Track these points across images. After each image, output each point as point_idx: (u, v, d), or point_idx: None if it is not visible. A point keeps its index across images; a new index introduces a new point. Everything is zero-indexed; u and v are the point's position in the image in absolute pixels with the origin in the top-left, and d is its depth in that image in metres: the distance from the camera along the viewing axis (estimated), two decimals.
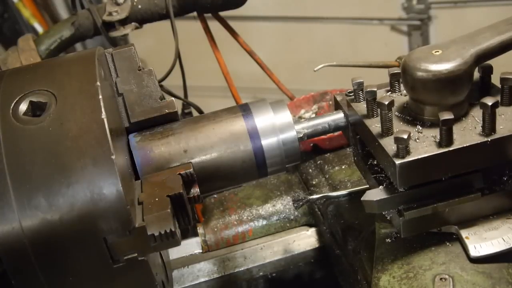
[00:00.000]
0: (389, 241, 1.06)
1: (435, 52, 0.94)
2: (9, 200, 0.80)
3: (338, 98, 1.13)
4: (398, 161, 0.90)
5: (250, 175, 1.06)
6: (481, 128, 0.93)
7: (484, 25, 1.00)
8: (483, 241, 0.96)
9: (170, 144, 1.00)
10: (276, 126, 1.03)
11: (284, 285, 1.49)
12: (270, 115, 1.04)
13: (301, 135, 1.07)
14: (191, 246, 1.49)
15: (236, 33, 1.90)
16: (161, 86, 1.50)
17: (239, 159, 1.02)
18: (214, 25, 1.88)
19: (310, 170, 1.58)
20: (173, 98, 1.05)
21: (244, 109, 1.05)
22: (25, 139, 0.84)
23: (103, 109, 0.86)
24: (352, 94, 1.08)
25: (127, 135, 1.03)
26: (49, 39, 1.76)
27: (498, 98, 0.94)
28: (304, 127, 1.08)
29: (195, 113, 2.00)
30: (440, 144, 0.91)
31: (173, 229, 0.83)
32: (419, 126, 0.96)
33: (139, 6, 1.73)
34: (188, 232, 1.55)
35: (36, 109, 0.89)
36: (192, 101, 1.95)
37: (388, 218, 1.00)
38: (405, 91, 1.02)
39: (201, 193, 0.97)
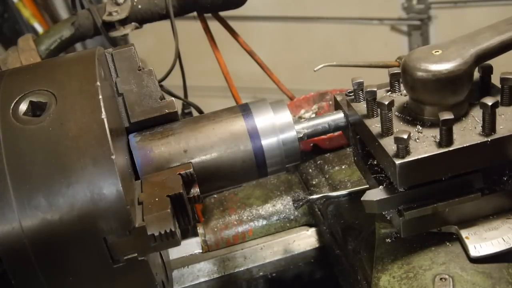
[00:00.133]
0: (389, 241, 1.06)
1: (435, 52, 0.94)
2: (9, 200, 0.80)
3: (338, 98, 1.13)
4: (398, 161, 0.90)
5: (250, 175, 1.06)
6: (481, 128, 0.93)
7: (484, 25, 1.00)
8: (483, 241, 0.96)
9: (170, 144, 1.00)
10: (276, 126, 1.03)
11: (284, 285, 1.49)
12: (270, 115, 1.04)
13: (301, 135, 1.07)
14: (191, 246, 1.49)
15: (236, 33, 1.90)
16: (161, 86, 1.50)
17: (239, 159, 1.02)
18: (214, 25, 1.88)
19: (310, 170, 1.58)
20: (173, 98, 1.05)
21: (244, 109, 1.05)
22: (25, 139, 0.84)
23: (103, 109, 0.86)
24: (352, 94, 1.08)
25: (127, 135, 1.03)
26: (49, 39, 1.76)
27: (498, 98, 0.94)
28: (304, 127, 1.08)
29: (195, 113, 2.00)
30: (440, 144, 0.91)
31: (173, 229, 0.83)
32: (419, 126, 0.96)
33: (139, 6, 1.73)
34: (188, 232, 1.55)
35: (36, 109, 0.89)
36: (192, 101, 1.95)
37: (388, 218, 1.00)
38: (405, 91, 1.02)
39: (201, 193, 0.97)
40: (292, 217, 1.52)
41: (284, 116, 1.05)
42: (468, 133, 0.93)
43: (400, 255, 1.02)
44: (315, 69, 1.31)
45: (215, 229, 1.50)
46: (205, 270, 1.46)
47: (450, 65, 0.92)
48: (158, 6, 1.74)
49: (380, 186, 0.98)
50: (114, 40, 1.73)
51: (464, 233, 0.98)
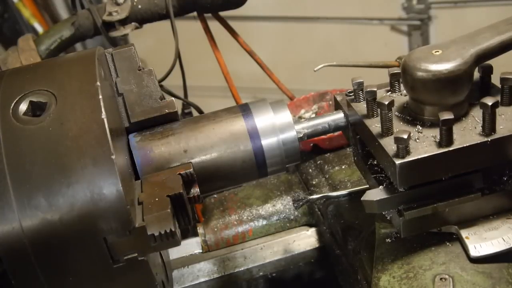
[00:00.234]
0: (389, 241, 1.06)
1: (435, 52, 0.94)
2: (9, 200, 0.80)
3: (338, 98, 1.13)
4: (398, 161, 0.90)
5: (250, 175, 1.06)
6: (481, 128, 0.93)
7: (484, 25, 1.00)
8: (483, 241, 0.96)
9: (170, 144, 1.00)
10: (276, 126, 1.03)
11: (284, 285, 1.49)
12: (270, 115, 1.04)
13: (301, 135, 1.07)
14: (191, 246, 1.49)
15: (236, 33, 1.90)
16: (161, 86, 1.50)
17: (239, 159, 1.02)
18: (214, 25, 1.88)
19: (310, 170, 1.58)
20: (173, 98, 1.05)
21: (244, 109, 1.05)
22: (25, 139, 0.84)
23: (103, 109, 0.86)
24: (352, 94, 1.08)
25: (127, 135, 1.02)
26: (49, 39, 1.76)
27: (498, 98, 0.94)
28: (304, 127, 1.08)
29: (195, 113, 2.00)
30: (440, 144, 0.91)
31: (173, 229, 0.83)
32: (419, 126, 0.96)
33: (139, 6, 1.73)
34: (188, 232, 1.55)
35: (36, 109, 0.89)
36: (192, 101, 1.95)
37: (388, 218, 1.00)
38: (405, 91, 1.02)
39: (201, 193, 0.97)
40: (292, 217, 1.52)
41: (284, 116, 1.05)
42: (468, 133, 0.93)
43: (400, 255, 1.02)
44: (315, 69, 1.31)
45: (215, 229, 1.50)
46: (205, 270, 1.46)
47: (450, 65, 0.92)
48: (158, 6, 1.74)
49: (380, 186, 0.98)
50: (114, 40, 1.73)
51: (464, 233, 0.98)
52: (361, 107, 1.05)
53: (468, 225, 0.99)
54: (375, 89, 1.00)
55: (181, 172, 0.95)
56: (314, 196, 1.35)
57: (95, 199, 0.81)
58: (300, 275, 1.50)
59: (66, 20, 1.81)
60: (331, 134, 1.26)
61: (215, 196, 1.60)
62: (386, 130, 0.95)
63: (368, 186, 1.09)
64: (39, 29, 3.60)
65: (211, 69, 2.15)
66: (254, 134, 1.02)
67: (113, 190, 0.82)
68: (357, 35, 3.84)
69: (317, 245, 1.47)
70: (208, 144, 1.01)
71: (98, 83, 0.89)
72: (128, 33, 1.73)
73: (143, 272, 0.88)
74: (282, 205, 1.53)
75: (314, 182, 1.52)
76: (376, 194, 0.96)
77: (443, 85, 0.93)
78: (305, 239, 1.49)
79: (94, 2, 1.83)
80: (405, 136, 0.88)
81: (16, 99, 0.89)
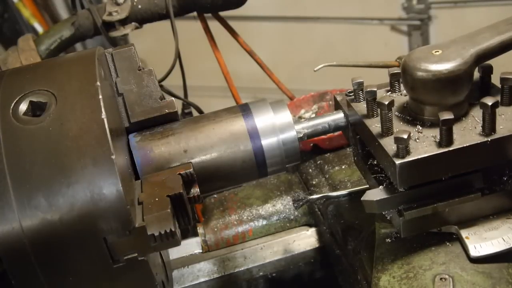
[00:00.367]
0: (389, 241, 1.06)
1: (435, 52, 0.94)
2: (9, 200, 0.80)
3: (338, 98, 1.13)
4: (398, 161, 0.90)
5: (250, 175, 1.06)
6: (481, 128, 0.93)
7: (484, 25, 1.00)
8: (483, 241, 0.96)
9: (170, 144, 1.00)
10: (276, 126, 1.03)
11: (284, 285, 1.49)
12: (270, 115, 1.04)
13: (301, 135, 1.07)
14: (191, 246, 1.49)
15: (236, 33, 1.90)
16: (161, 86, 1.50)
17: (239, 159, 1.02)
18: (214, 25, 1.88)
19: (310, 170, 1.58)
20: (173, 98, 1.05)
21: (244, 109, 1.05)
22: (25, 139, 0.84)
23: (103, 109, 0.86)
24: (352, 94, 1.08)
25: (127, 135, 1.02)
26: (49, 39, 1.76)
27: (498, 98, 0.94)
28: (304, 127, 1.08)
29: (195, 113, 2.00)
30: (440, 144, 0.91)
31: (173, 229, 0.83)
32: (419, 126, 0.96)
33: (139, 6, 1.73)
34: (188, 232, 1.55)
35: (36, 109, 0.89)
36: (192, 101, 1.95)
37: (388, 218, 1.00)
38: (405, 91, 1.02)
39: (201, 193, 0.97)
40: (292, 217, 1.52)
41: (284, 116, 1.05)
42: (468, 133, 0.93)
43: (400, 255, 1.02)
44: (315, 69, 1.31)
45: (215, 229, 1.50)
46: (205, 270, 1.46)
47: (450, 65, 0.92)
48: (158, 6, 1.74)
49: (380, 186, 0.98)
50: (114, 40, 1.73)
51: (464, 233, 0.98)
52: (361, 107, 1.05)
53: (468, 225, 0.99)
54: (375, 89, 1.00)
55: (181, 172, 0.95)
56: (314, 196, 1.35)
57: (95, 199, 0.81)
58: (300, 275, 1.50)
59: (66, 20, 1.81)
60: (331, 134, 1.26)
61: (215, 196, 1.60)
62: (386, 130, 0.95)
63: (368, 186, 1.09)
64: (39, 29, 3.60)
65: (211, 69, 2.15)
66: (254, 134, 1.02)
67: (113, 190, 0.82)
68: (357, 35, 3.84)
69: (317, 245, 1.47)
70: (208, 144, 1.01)
71: (98, 83, 0.89)
72: (128, 33, 1.73)
73: (143, 272, 0.88)
74: (282, 205, 1.53)
75: (314, 182, 1.52)
76: (376, 194, 0.96)
77: (443, 85, 0.93)
78: (305, 239, 1.49)
79: (94, 2, 1.83)
80: (405, 136, 0.88)
81: (16, 99, 0.89)
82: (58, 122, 0.85)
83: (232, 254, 1.47)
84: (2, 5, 3.59)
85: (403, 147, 0.89)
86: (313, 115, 1.72)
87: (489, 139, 0.91)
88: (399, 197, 0.95)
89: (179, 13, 1.78)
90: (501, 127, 0.92)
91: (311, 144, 1.60)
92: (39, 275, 0.83)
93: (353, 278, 1.23)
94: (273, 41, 3.86)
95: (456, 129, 0.93)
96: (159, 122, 1.04)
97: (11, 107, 0.88)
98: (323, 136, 1.16)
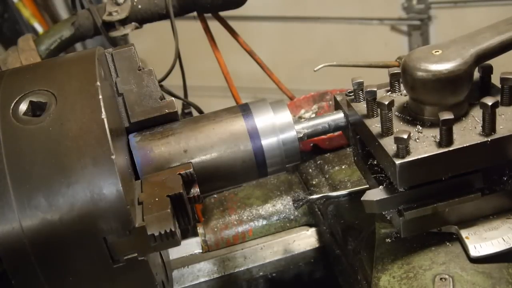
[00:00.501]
0: (389, 241, 1.06)
1: (435, 52, 0.94)
2: (9, 200, 0.80)
3: (338, 98, 1.13)
4: (398, 161, 0.90)
5: (250, 175, 1.06)
6: (481, 128, 0.93)
7: (484, 25, 1.00)
8: (483, 241, 0.96)
9: (170, 144, 1.00)
10: (276, 126, 1.03)
11: (284, 285, 1.49)
12: (270, 115, 1.04)
13: (301, 135, 1.07)
14: (191, 246, 1.49)
15: (236, 33, 1.90)
16: (161, 86, 1.50)
17: (239, 159, 1.02)
18: (214, 25, 1.88)
19: (310, 170, 1.58)
20: (173, 98, 1.05)
21: (244, 109, 1.05)
22: (25, 139, 0.84)
23: (103, 109, 0.86)
24: (352, 94, 1.08)
25: (127, 135, 1.02)
26: (49, 39, 1.76)
27: (498, 98, 0.94)
28: (304, 127, 1.08)
29: (195, 113, 2.00)
30: (440, 144, 0.91)
31: (173, 229, 0.83)
32: (419, 126, 0.96)
33: (139, 6, 1.73)
34: (188, 232, 1.55)
35: (36, 109, 0.89)
36: (192, 101, 1.95)
37: (388, 218, 1.00)
38: (405, 91, 1.02)
39: (201, 193, 0.97)
40: (292, 217, 1.52)
41: (284, 116, 1.05)
42: (468, 133, 0.93)
43: (400, 255, 1.02)
44: (315, 69, 1.31)
45: (215, 229, 1.50)
46: (205, 270, 1.46)
47: (450, 65, 0.92)
48: (158, 6, 1.74)
49: (380, 186, 0.98)
50: (114, 40, 1.73)
51: (464, 233, 0.98)
52: (361, 107, 1.05)
53: (468, 225, 0.99)
54: (375, 89, 1.00)
55: (181, 172, 0.95)
56: (314, 196, 1.35)
57: (95, 199, 0.81)
58: (300, 275, 1.50)
59: (66, 20, 1.81)
60: (331, 134, 1.26)
61: (215, 196, 1.60)
62: (386, 130, 0.95)
63: (368, 186, 1.09)
64: (39, 29, 3.60)
65: (211, 69, 2.15)
66: (254, 134, 1.02)
67: (113, 190, 0.82)
68: (357, 35, 3.83)
69: (317, 245, 1.47)
70: (208, 144, 1.01)
71: (98, 83, 0.89)
72: (128, 33, 1.73)
73: (143, 272, 0.88)
74: (282, 205, 1.53)
75: (314, 182, 1.52)
76: (376, 194, 0.96)
77: (443, 85, 0.93)
78: (305, 239, 1.49)
79: (94, 2, 1.83)
80: (405, 136, 0.88)
81: (16, 99, 0.89)
82: (58, 122, 0.85)
83: (232, 254, 1.47)
84: (2, 5, 3.59)
85: (403, 147, 0.89)
86: (313, 115, 1.72)
87: (489, 139, 0.91)
88: (399, 197, 0.95)
89: (179, 13, 1.78)
90: (501, 127, 0.92)
91: (311, 144, 1.60)
92: (39, 275, 0.83)
93: (353, 278, 1.23)
94: (273, 41, 3.86)
95: (456, 129, 0.93)
96: (159, 122, 1.04)
97: (11, 107, 0.88)
98: (323, 136, 1.16)
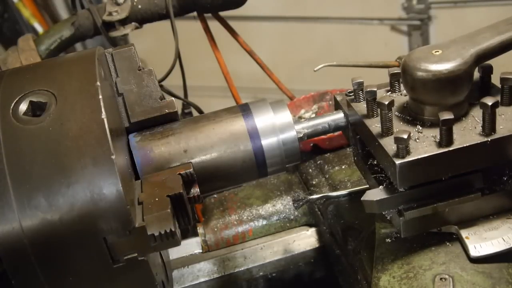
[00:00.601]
0: (389, 241, 1.06)
1: (435, 52, 0.94)
2: (9, 200, 0.80)
3: (338, 98, 1.13)
4: (398, 161, 0.90)
5: (250, 175, 1.06)
6: (481, 128, 0.93)
7: (484, 25, 1.00)
8: (483, 241, 0.96)
9: (170, 144, 1.00)
10: (276, 126, 1.03)
11: (284, 285, 1.49)
12: (270, 115, 1.04)
13: (301, 135, 1.07)
14: (191, 246, 1.49)
15: (236, 33, 1.90)
16: (161, 86, 1.50)
17: (239, 159, 1.02)
18: (214, 25, 1.88)
19: (310, 170, 1.58)
20: (173, 98, 1.05)
21: (244, 109, 1.05)
22: (25, 139, 0.84)
23: (103, 109, 0.86)
24: (352, 94, 1.08)
25: (127, 135, 1.02)
26: (49, 39, 1.76)
27: (498, 98, 0.94)
28: (304, 127, 1.08)
29: (195, 113, 2.00)
30: (440, 144, 0.91)
31: (173, 229, 0.83)
32: (419, 126, 0.96)
33: (139, 6, 1.73)
34: (188, 232, 1.55)
35: (36, 109, 0.89)
36: (192, 101, 1.95)
37: (388, 218, 1.00)
38: (405, 91, 1.02)
39: (201, 193, 0.97)
40: (292, 217, 1.52)
41: (284, 116, 1.05)
42: (468, 133, 0.93)
43: (400, 255, 1.02)
44: (315, 69, 1.31)
45: (215, 229, 1.50)
46: (205, 270, 1.46)
47: (450, 65, 0.92)
48: (158, 6, 1.74)
49: (380, 186, 0.98)
50: (114, 40, 1.73)
51: (464, 233, 0.98)
52: (361, 107, 1.05)
53: (468, 225, 0.99)
54: (375, 89, 1.00)
55: (181, 172, 0.95)
56: (314, 196, 1.35)
57: (95, 199, 0.81)
58: (300, 275, 1.50)
59: (66, 20, 1.81)
60: (331, 134, 1.26)
61: (215, 196, 1.60)
62: (386, 130, 0.95)
63: (368, 186, 1.09)
64: (39, 29, 3.60)
65: (211, 69, 2.15)
66: (254, 134, 1.02)
67: (113, 190, 0.82)
68: (357, 35, 3.84)
69: (317, 245, 1.47)
70: (208, 144, 1.01)
71: (98, 83, 0.89)
72: (128, 33, 1.73)
73: (143, 272, 0.88)
74: (282, 205, 1.53)
75: (314, 182, 1.52)
76: (376, 194, 0.96)
77: (443, 85, 0.93)
78: (305, 239, 1.49)
79: (94, 2, 1.83)
80: (405, 136, 0.88)
81: (16, 99, 0.89)
82: (58, 122, 0.85)
83: (232, 254, 1.47)
84: (2, 5, 3.59)
85: (403, 147, 0.89)
86: (313, 115, 1.72)
87: (489, 139, 0.91)
88: (399, 197, 0.95)
89: (179, 13, 1.78)
90: (501, 127, 0.92)
91: (311, 144, 1.60)
92: (39, 275, 0.83)
93: (353, 278, 1.23)
94: (273, 41, 3.86)
95: (456, 129, 0.93)
96: (159, 122, 1.04)
97: (11, 107, 0.88)
98: (323, 136, 1.16)
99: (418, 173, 0.91)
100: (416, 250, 1.01)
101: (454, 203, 0.95)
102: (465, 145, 0.90)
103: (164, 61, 1.77)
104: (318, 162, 1.59)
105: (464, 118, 0.97)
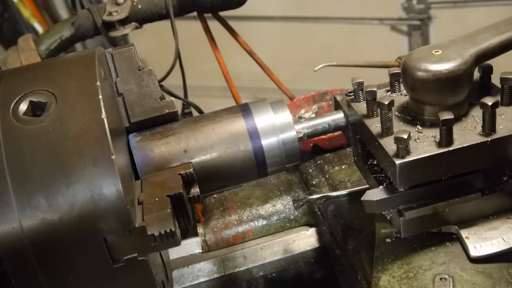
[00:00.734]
0: (389, 241, 1.06)
1: (435, 52, 0.94)
2: (9, 200, 0.80)
3: (338, 98, 1.13)
4: (398, 161, 0.90)
5: (250, 175, 1.06)
6: (481, 128, 0.93)
7: (484, 25, 1.00)
8: (483, 241, 0.96)
9: (170, 144, 1.00)
10: (276, 126, 1.03)
11: (284, 285, 1.49)
12: (270, 115, 1.04)
13: (301, 135, 1.07)
14: (191, 246, 1.49)
15: (236, 33, 1.90)
16: (161, 86, 1.50)
17: (239, 159, 1.02)
18: (214, 25, 1.88)
19: (310, 170, 1.58)
20: (173, 98, 1.05)
21: (244, 109, 1.05)
22: (25, 139, 0.84)
23: (103, 109, 0.86)
24: (352, 94, 1.08)
25: (127, 135, 1.03)
26: (49, 39, 1.76)
27: (498, 98, 0.94)
28: (304, 127, 1.08)
29: (195, 113, 2.00)
30: (440, 144, 0.91)
31: (173, 229, 0.83)
32: (419, 126, 0.96)
33: (139, 6, 1.73)
34: (188, 232, 1.55)
35: (36, 109, 0.89)
36: (192, 101, 1.95)
37: (388, 218, 1.00)
38: (405, 91, 1.02)
39: (201, 193, 0.97)
40: (292, 217, 1.52)
41: (284, 116, 1.05)
42: (468, 133, 0.93)
43: (400, 255, 1.02)
44: (315, 69, 1.32)
45: (215, 229, 1.50)
46: (205, 270, 1.46)
47: (450, 65, 0.92)
48: (158, 6, 1.74)
49: (380, 186, 0.98)
50: (114, 40, 1.73)
51: (464, 233, 0.98)
52: (361, 107, 1.05)
53: (468, 225, 0.99)
54: (375, 89, 1.00)
55: (181, 172, 0.95)
56: (314, 196, 1.35)
57: (95, 199, 0.81)
58: (300, 275, 1.50)
59: (66, 20, 1.81)
60: (331, 134, 1.26)
61: (215, 196, 1.60)
62: (386, 130, 0.95)
63: (368, 186, 1.09)
64: (39, 29, 3.60)
65: (211, 69, 2.15)
66: (254, 134, 1.02)
67: (113, 190, 0.82)
68: (357, 35, 3.84)
69: (317, 245, 1.47)
70: (208, 144, 1.01)
71: (98, 83, 0.89)
72: (128, 33, 1.73)
73: (143, 272, 0.88)
74: (282, 205, 1.53)
75: (314, 182, 1.52)
76: (376, 194, 0.96)
77: (443, 85, 0.93)
78: (305, 239, 1.49)
79: (94, 2, 1.83)
80: (405, 136, 0.88)
81: (16, 99, 0.89)
82: (58, 122, 0.85)
83: (232, 254, 1.47)
84: (2, 5, 3.59)
85: (403, 147, 0.89)
86: (313, 115, 1.72)
87: (489, 139, 0.91)
88: (399, 197, 0.95)
89: (179, 13, 1.78)
90: (501, 127, 0.92)
91: (311, 144, 1.60)
92: (39, 275, 0.83)
93: (353, 278, 1.23)
94: (273, 41, 3.86)
95: (456, 129, 0.93)
96: (159, 122, 1.04)
97: (11, 107, 0.88)
98: (323, 136, 1.16)
99: (418, 173, 0.91)
100: (416, 250, 1.01)
101: (454, 203, 0.95)
102: (465, 145, 0.90)
103: (164, 61, 1.77)
104: (318, 162, 1.59)
105: (464, 118, 0.97)
